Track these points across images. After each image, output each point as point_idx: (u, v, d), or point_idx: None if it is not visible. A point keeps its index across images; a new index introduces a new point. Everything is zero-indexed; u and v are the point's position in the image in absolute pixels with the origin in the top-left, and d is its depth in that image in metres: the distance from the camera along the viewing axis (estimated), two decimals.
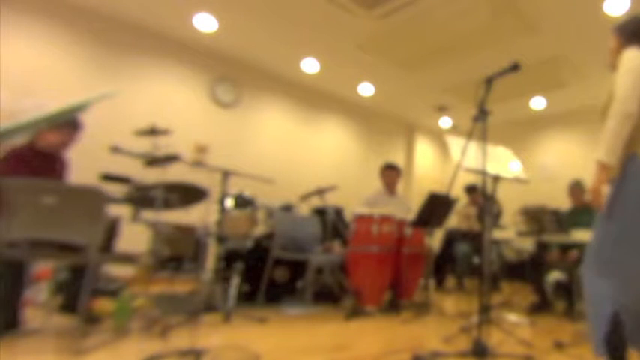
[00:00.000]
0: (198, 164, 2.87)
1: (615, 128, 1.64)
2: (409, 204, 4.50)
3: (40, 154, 2.48)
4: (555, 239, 3.60)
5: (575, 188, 4.00)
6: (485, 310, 2.24)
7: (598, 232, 1.74)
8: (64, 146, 2.56)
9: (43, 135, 2.47)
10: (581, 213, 3.87)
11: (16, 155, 2.40)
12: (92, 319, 2.44)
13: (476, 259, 4.85)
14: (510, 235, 4.35)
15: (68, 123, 2.51)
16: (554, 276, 3.96)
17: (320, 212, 4.26)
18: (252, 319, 2.78)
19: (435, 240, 4.52)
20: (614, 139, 1.65)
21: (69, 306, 2.48)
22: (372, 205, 4.10)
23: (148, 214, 2.83)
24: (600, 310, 1.65)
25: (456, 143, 2.68)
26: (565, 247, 3.72)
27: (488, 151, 2.53)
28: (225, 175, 2.92)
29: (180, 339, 2.15)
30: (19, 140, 2.43)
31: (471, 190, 5.41)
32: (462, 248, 4.92)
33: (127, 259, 2.74)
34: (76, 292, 2.33)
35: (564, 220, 3.68)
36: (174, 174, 2.87)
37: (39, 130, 2.48)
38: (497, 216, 5.10)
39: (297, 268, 3.62)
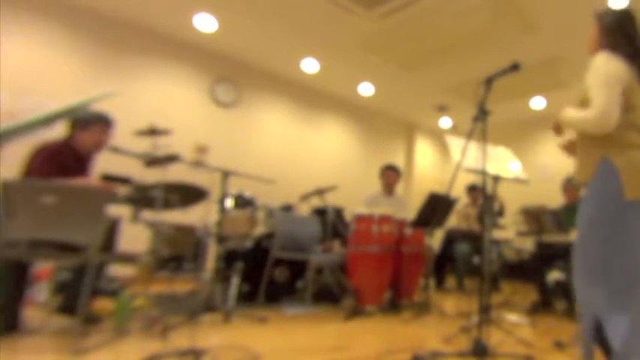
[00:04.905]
0: (198, 164, 2.87)
1: (581, 128, 1.71)
2: (407, 204, 4.50)
3: (76, 156, 2.48)
4: (555, 239, 3.59)
5: (569, 184, 3.98)
6: (485, 310, 2.24)
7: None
8: (100, 146, 2.55)
9: (78, 136, 2.46)
10: (574, 210, 3.86)
11: (51, 154, 2.36)
12: (92, 319, 2.43)
13: (476, 259, 4.85)
14: (510, 235, 4.35)
15: (99, 121, 2.50)
16: (554, 276, 3.95)
17: (320, 212, 4.26)
18: (252, 319, 2.79)
19: (435, 240, 4.52)
20: (574, 126, 1.75)
21: (69, 307, 2.46)
22: (370, 205, 4.10)
23: (148, 214, 2.83)
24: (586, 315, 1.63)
25: (456, 143, 2.69)
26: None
27: (488, 151, 2.53)
28: (225, 175, 2.92)
29: (180, 339, 2.15)
30: (40, 136, 2.38)
31: (471, 189, 5.41)
32: (461, 248, 4.91)
33: (127, 259, 2.74)
34: (76, 293, 2.32)
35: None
36: (174, 174, 2.86)
37: (73, 132, 2.46)
38: (500, 214, 5.09)
39: (297, 268, 3.62)
